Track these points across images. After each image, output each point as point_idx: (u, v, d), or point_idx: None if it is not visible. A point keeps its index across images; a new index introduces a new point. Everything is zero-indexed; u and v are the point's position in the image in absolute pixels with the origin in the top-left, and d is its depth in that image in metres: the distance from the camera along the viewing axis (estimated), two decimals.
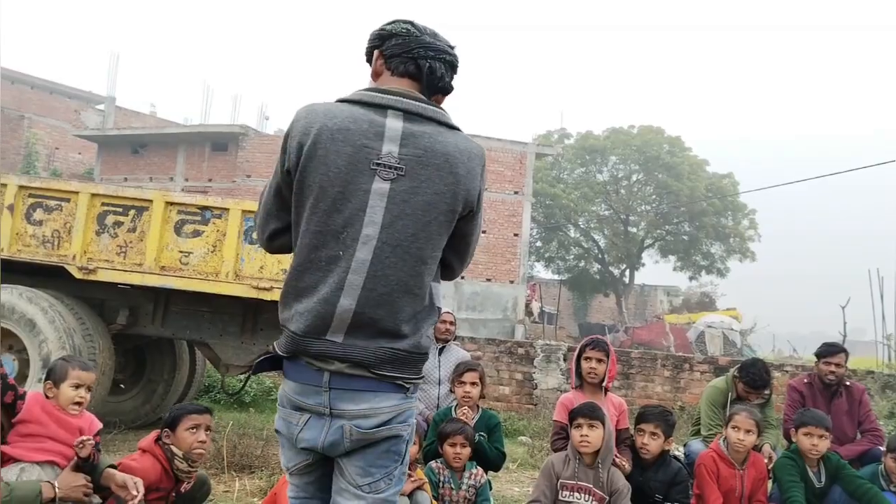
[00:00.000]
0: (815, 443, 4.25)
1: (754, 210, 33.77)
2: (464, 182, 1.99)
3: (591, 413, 3.91)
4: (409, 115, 1.96)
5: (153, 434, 3.23)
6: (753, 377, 5.00)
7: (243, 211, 5.89)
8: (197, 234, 5.95)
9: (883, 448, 4.58)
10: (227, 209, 5.91)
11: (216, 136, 23.45)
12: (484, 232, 22.00)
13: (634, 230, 34.29)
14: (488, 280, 22.21)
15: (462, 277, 21.83)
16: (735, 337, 21.40)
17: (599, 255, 34.77)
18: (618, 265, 34.97)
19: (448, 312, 6.22)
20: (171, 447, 3.13)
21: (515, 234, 22.56)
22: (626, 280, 34.96)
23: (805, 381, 5.35)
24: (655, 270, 37.35)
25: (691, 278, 35.42)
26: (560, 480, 3.88)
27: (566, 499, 3.88)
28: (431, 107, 2.00)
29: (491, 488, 4.36)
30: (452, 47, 2.10)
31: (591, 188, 33.37)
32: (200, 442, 3.20)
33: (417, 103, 1.98)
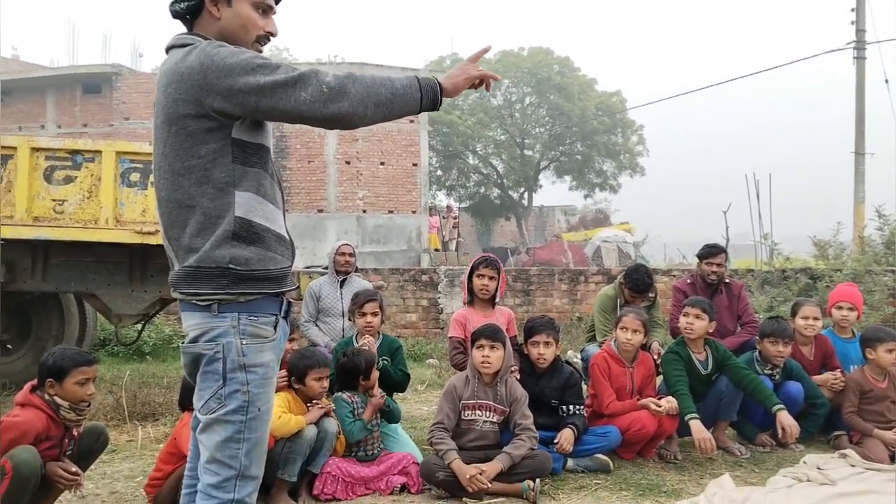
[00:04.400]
0: (690, 321, 4.54)
1: (642, 126, 34.94)
2: (185, 82, 1.96)
3: (493, 335, 3.99)
4: (166, 52, 2.10)
5: (27, 386, 3.08)
6: (636, 282, 5.29)
7: (118, 152, 5.58)
8: (69, 180, 5.61)
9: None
10: (99, 151, 5.57)
11: (87, 77, 21.92)
12: (382, 164, 22.01)
13: (530, 153, 34.82)
14: (390, 212, 22.11)
15: (364, 211, 21.74)
16: (629, 249, 22.34)
17: (499, 180, 35.19)
18: (516, 189, 35.56)
19: (346, 244, 6.20)
20: (56, 398, 3.00)
21: (414, 164, 22.45)
22: (525, 203, 35.65)
23: (688, 281, 5.66)
24: (552, 191, 38.21)
25: (586, 196, 36.55)
26: (462, 401, 3.97)
27: (468, 417, 3.99)
28: (177, 35, 2.10)
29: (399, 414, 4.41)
30: None
31: (487, 113, 33.46)
32: (89, 395, 3.08)
33: (173, 37, 2.10)
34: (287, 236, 2.16)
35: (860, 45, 17.60)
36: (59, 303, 7.11)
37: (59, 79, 22.28)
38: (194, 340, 2.01)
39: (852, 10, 17.81)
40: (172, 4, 2.11)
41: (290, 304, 2.18)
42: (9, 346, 7.01)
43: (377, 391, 4.08)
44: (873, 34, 18.06)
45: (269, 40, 2.17)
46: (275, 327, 2.07)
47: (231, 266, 1.97)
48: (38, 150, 5.61)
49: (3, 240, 5.91)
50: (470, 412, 3.98)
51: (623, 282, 5.39)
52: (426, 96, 2.03)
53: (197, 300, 1.99)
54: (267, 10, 2.13)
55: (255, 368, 2.00)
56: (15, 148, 5.57)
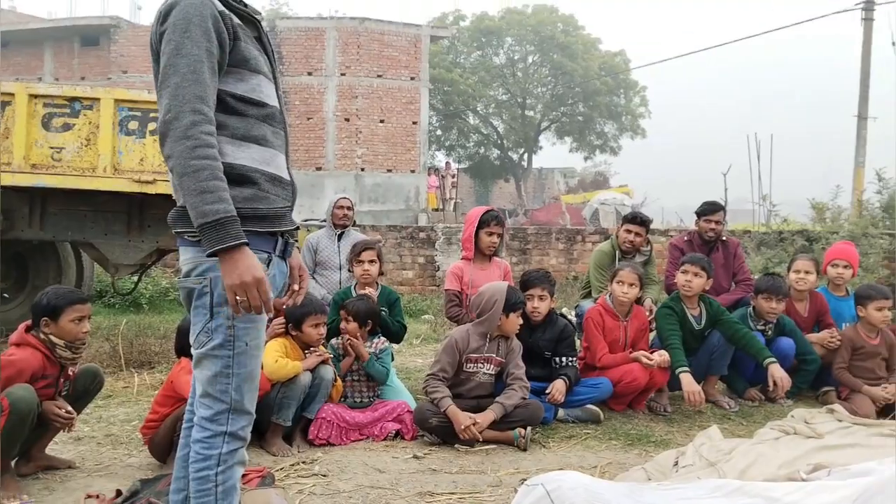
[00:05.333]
0: (688, 279, 4.56)
1: (645, 87, 34.59)
2: (154, 26, 2.01)
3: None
4: None
5: (22, 326, 3.10)
6: (634, 215, 5.52)
7: (116, 100, 5.56)
8: (67, 127, 5.59)
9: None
10: (97, 99, 5.56)
11: (85, 29, 21.65)
12: (382, 122, 21.84)
13: (531, 113, 34.56)
14: (389, 171, 22.03)
15: (362, 169, 21.65)
16: (626, 212, 22.32)
17: (499, 141, 34.99)
18: (516, 150, 35.39)
19: (345, 198, 6.20)
20: (52, 337, 3.03)
21: (414, 123, 22.30)
22: (525, 164, 35.50)
23: (685, 238, 5.67)
24: (552, 153, 38.08)
25: (586, 158, 36.42)
26: (466, 354, 3.99)
27: (470, 369, 4.02)
28: None
29: (393, 359, 4.48)
30: None
31: (488, 72, 33.15)
32: (84, 333, 3.12)
33: None
34: (286, 178, 2.15)
35: (869, 4, 17.36)
36: (57, 252, 7.13)
37: (57, 31, 22.02)
38: (187, 275, 2.04)
39: None
40: None
41: (287, 242, 2.17)
42: (5, 294, 7.04)
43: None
44: None
45: None
46: (268, 264, 2.07)
47: None
48: (36, 96, 5.58)
49: (0, 187, 5.91)
50: (473, 365, 4.02)
51: (619, 226, 5.48)
52: (216, 230, 1.86)
53: (189, 235, 1.99)
54: None
55: None
56: (13, 94, 5.54)
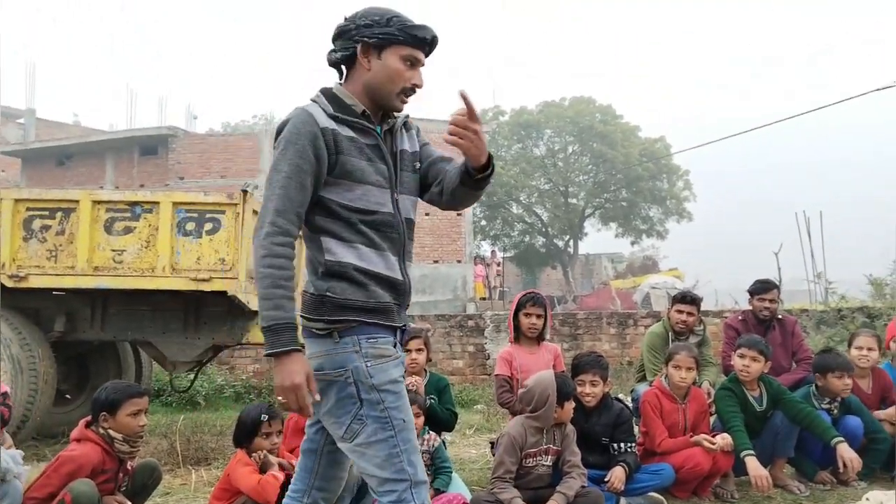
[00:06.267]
0: (746, 363, 4.43)
1: (688, 171, 34.63)
2: None
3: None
4: None
5: (82, 422, 3.19)
6: (683, 294, 5.43)
7: (174, 203, 5.79)
8: (128, 230, 5.83)
9: None
10: (157, 202, 5.80)
11: (144, 139, 22.84)
12: (427, 214, 22.22)
13: (574, 201, 34.76)
14: (435, 262, 22.28)
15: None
16: None
17: (543, 229, 35.16)
18: (561, 237, 35.45)
19: None
20: (110, 431, 3.09)
21: (458, 214, 22.63)
22: (571, 251, 35.46)
23: (739, 318, 5.55)
24: (598, 239, 37.94)
25: (633, 243, 36.18)
26: (525, 451, 3.91)
27: (529, 464, 3.94)
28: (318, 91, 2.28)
29: (445, 447, 4.43)
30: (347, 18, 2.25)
31: (529, 163, 33.68)
32: (141, 426, 3.18)
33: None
34: (395, 276, 2.23)
35: None
36: (116, 352, 7.32)
37: (118, 142, 23.25)
38: (320, 368, 2.14)
39: None
40: (329, 53, 2.25)
41: (403, 332, 2.29)
42: (67, 395, 7.21)
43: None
44: None
45: (414, 92, 2.24)
46: (394, 346, 2.21)
47: (328, 294, 2.13)
48: (99, 202, 5.87)
49: (63, 290, 6.16)
50: (532, 459, 3.93)
51: (670, 307, 5.40)
52: (269, 335, 2.06)
53: (315, 328, 2.14)
54: (415, 63, 2.21)
55: (386, 385, 2.12)
56: (77, 201, 5.84)
